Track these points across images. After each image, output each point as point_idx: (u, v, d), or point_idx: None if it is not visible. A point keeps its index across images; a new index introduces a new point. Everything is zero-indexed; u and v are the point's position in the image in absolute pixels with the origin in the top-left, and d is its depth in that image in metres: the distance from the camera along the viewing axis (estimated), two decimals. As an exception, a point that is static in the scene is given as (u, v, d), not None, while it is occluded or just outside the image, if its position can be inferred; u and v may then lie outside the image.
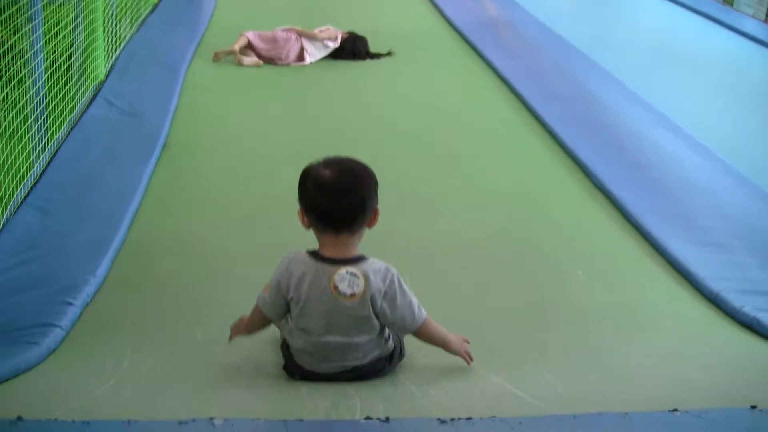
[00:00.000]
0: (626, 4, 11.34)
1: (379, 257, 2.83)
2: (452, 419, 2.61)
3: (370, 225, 2.77)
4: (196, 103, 6.14)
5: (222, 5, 9.24)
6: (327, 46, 7.51)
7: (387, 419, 2.61)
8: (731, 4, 11.31)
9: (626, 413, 2.68)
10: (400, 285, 2.73)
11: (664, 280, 3.99)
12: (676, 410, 2.68)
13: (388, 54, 7.64)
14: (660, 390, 2.95)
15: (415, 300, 2.78)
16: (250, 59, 7.19)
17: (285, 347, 2.90)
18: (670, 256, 4.15)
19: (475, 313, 3.55)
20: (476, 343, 3.11)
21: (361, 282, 2.68)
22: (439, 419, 2.61)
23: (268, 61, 7.26)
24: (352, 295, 2.68)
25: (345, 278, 2.68)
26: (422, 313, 2.78)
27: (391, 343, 2.86)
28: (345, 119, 6.01)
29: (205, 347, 3.18)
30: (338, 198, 2.66)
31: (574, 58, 7.87)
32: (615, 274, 4.07)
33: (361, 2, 10.13)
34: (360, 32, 7.79)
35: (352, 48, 7.57)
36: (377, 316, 2.74)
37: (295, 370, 2.87)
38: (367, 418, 2.62)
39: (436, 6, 9.87)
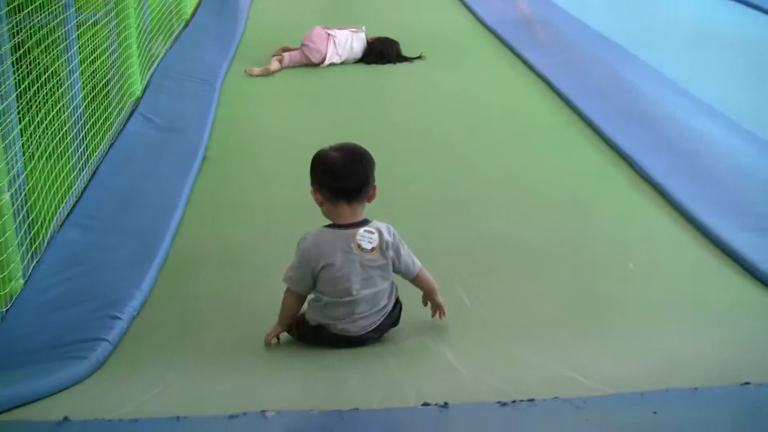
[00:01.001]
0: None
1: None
2: (513, 401, 2.58)
3: (370, 200, 3.22)
4: (234, 115, 6.13)
5: (254, 18, 9.24)
6: (355, 32, 7.51)
7: (445, 404, 2.58)
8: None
9: (695, 389, 2.63)
10: (400, 238, 3.22)
11: (716, 266, 3.94)
12: (748, 383, 2.61)
13: (419, 57, 7.56)
14: (724, 368, 2.89)
15: (410, 251, 3.25)
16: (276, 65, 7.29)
17: (320, 333, 3.21)
18: (721, 241, 4.09)
19: (529, 305, 3.57)
20: (530, 331, 3.15)
21: (376, 236, 3.15)
22: (499, 402, 2.58)
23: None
24: (373, 249, 3.14)
25: (365, 236, 3.13)
26: (417, 261, 3.26)
27: (395, 291, 3.28)
28: (383, 123, 5.96)
29: (250, 345, 3.19)
30: (349, 174, 3.14)
31: (611, 51, 7.77)
32: (667, 263, 4.02)
33: (393, 7, 10.09)
34: (393, 36, 7.74)
35: (381, 49, 7.51)
36: (392, 264, 3.19)
37: (339, 340, 3.19)
38: (425, 404, 2.59)
39: (468, 8, 9.79)
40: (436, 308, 3.34)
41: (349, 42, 7.47)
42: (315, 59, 7.36)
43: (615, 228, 4.40)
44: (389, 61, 7.47)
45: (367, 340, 3.20)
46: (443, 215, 4.48)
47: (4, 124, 3.50)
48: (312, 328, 3.23)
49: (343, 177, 3.14)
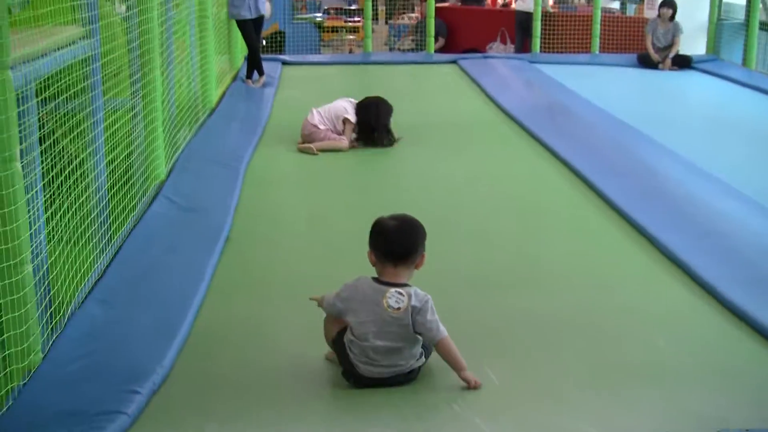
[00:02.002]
0: (678, 83, 11.29)
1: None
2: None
3: (418, 266, 3.57)
4: (258, 197, 6.17)
5: (279, 105, 9.38)
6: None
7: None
8: (787, 77, 11.24)
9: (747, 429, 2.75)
10: (431, 307, 3.47)
11: (742, 339, 3.97)
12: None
13: (398, 139, 7.68)
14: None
15: (439, 321, 3.48)
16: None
17: (344, 356, 3.55)
18: (748, 316, 4.08)
19: (556, 378, 3.62)
20: (560, 399, 3.27)
21: (405, 299, 3.45)
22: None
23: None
24: (398, 308, 3.44)
25: (394, 295, 3.46)
26: (443, 330, 3.47)
27: (422, 359, 3.57)
28: (406, 205, 5.89)
29: (269, 426, 3.19)
30: (399, 240, 3.53)
31: (630, 134, 7.83)
32: (692, 335, 4.06)
33: (415, 95, 10.23)
34: (416, 124, 7.81)
35: (369, 119, 7.61)
36: (413, 325, 3.44)
37: (350, 375, 3.55)
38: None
39: (488, 95, 9.93)
40: (467, 383, 3.50)
41: (332, 107, 7.72)
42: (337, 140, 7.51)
43: (638, 303, 4.40)
44: (380, 141, 7.57)
45: (374, 384, 3.51)
46: (467, 294, 4.47)
47: (29, 194, 3.54)
48: (342, 346, 3.56)
49: (393, 242, 3.51)
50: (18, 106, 3.42)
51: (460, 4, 15.76)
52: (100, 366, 3.55)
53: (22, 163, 3.43)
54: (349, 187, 6.68)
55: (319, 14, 17.82)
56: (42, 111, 3.91)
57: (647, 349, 3.88)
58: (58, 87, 4.19)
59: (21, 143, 3.44)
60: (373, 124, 7.60)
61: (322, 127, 7.57)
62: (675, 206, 5.75)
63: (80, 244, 4.29)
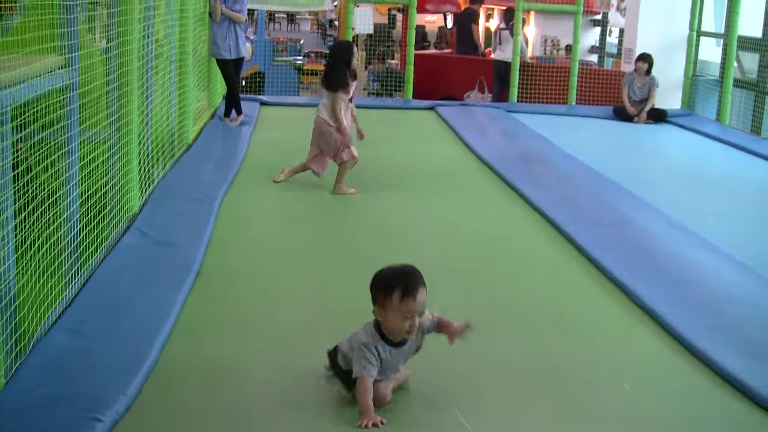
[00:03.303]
0: (653, 136, 11.41)
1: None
2: None
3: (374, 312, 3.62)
4: (230, 234, 6.14)
5: (255, 144, 9.39)
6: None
7: None
8: (759, 134, 11.38)
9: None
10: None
11: (711, 388, 3.98)
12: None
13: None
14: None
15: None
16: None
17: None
18: (716, 365, 4.09)
19: (528, 424, 3.61)
20: None
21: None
22: None
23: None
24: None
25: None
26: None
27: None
28: (376, 249, 5.96)
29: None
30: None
31: (607, 186, 7.86)
32: (662, 384, 4.04)
33: (392, 139, 10.27)
34: (394, 168, 7.78)
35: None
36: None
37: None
38: None
39: (465, 142, 9.98)
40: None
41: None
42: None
43: (610, 351, 4.41)
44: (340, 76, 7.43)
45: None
46: (439, 337, 4.43)
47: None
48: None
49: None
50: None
51: (453, 53, 16.00)
52: (63, 394, 3.49)
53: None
54: (324, 227, 6.66)
55: (300, 57, 17.94)
56: (15, 137, 3.88)
57: (617, 396, 3.88)
58: (34, 115, 4.16)
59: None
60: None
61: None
62: (648, 256, 5.78)
63: (49, 272, 4.24)
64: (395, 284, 3.49)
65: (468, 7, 16.00)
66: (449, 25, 20.55)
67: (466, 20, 15.98)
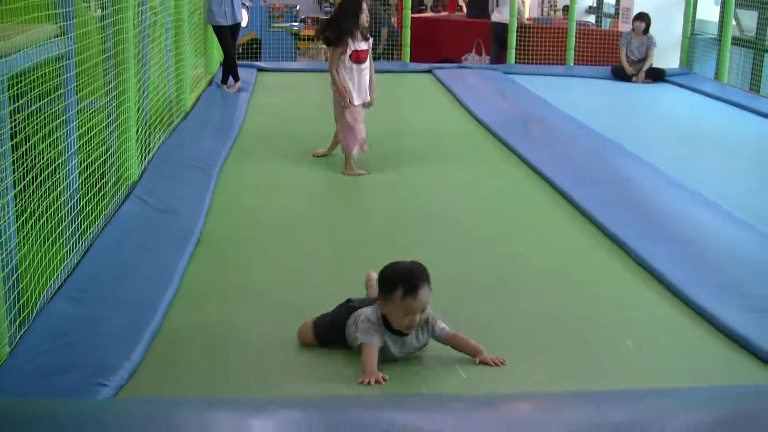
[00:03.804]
0: (651, 96, 11.37)
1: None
2: None
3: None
4: (230, 202, 6.14)
5: (253, 111, 9.36)
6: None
7: None
8: (758, 92, 11.35)
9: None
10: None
11: (713, 343, 4.00)
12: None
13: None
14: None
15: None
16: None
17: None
18: (718, 321, 4.10)
19: (528, 377, 3.65)
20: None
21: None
22: None
23: None
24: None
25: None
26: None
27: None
28: (377, 214, 5.98)
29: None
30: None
31: (605, 146, 7.84)
32: (664, 341, 4.04)
33: (389, 103, 10.22)
34: (391, 132, 7.67)
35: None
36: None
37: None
38: None
39: (463, 104, 9.95)
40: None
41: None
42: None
43: (611, 308, 4.43)
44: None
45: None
46: (435, 298, 4.45)
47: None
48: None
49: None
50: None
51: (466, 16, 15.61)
52: (67, 360, 3.52)
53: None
54: (325, 193, 6.66)
55: (296, 23, 17.83)
56: (12, 107, 3.88)
57: (617, 351, 3.90)
58: (30, 84, 4.15)
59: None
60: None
61: None
62: (648, 215, 5.78)
63: (50, 241, 4.25)
64: (399, 282, 3.60)
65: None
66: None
67: None
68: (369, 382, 3.49)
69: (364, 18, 6.94)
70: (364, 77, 7.06)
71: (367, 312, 3.72)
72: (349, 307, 3.86)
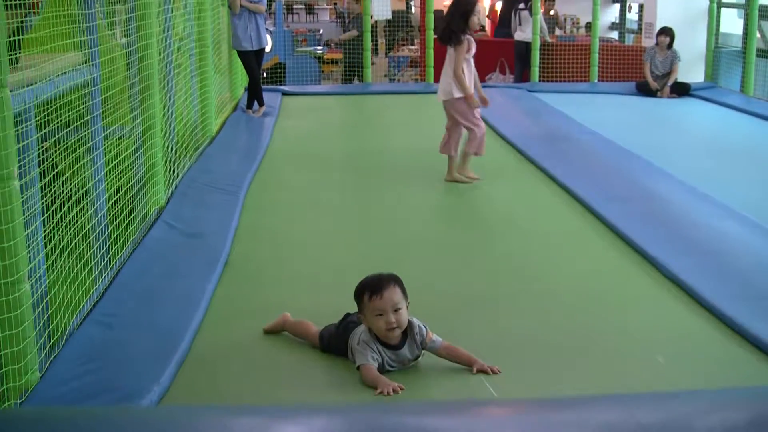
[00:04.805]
0: (677, 110, 11.31)
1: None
2: None
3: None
4: (257, 223, 6.16)
5: (278, 134, 9.41)
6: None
7: None
8: (785, 103, 11.28)
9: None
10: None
11: (746, 358, 3.95)
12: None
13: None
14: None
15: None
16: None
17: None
18: (753, 336, 4.06)
19: (555, 390, 3.61)
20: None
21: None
22: None
23: None
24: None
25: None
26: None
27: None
28: (407, 236, 5.95)
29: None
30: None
31: (632, 161, 7.82)
32: (698, 358, 4.01)
33: (413, 122, 10.28)
34: (418, 150, 7.67)
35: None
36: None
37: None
38: None
39: (489, 124, 9.87)
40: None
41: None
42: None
43: (641, 324, 4.39)
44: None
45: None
46: (468, 315, 4.46)
47: (28, 214, 3.54)
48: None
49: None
50: (16, 126, 3.43)
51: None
52: (96, 385, 3.53)
53: (21, 182, 3.43)
54: (351, 213, 6.65)
55: (320, 47, 17.92)
56: (39, 134, 3.91)
57: (648, 366, 3.87)
58: (57, 112, 4.19)
59: (20, 163, 3.45)
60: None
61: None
62: (675, 228, 5.75)
63: (78, 267, 4.28)
64: (365, 287, 3.76)
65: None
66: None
67: (508, 2, 15.08)
68: (388, 392, 3.56)
69: (476, 20, 6.88)
70: (474, 70, 7.14)
71: (359, 332, 3.82)
72: (348, 323, 3.95)
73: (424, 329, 3.81)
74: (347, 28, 13.80)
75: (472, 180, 7.18)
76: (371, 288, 3.73)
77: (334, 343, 3.97)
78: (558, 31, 15.35)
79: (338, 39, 13.74)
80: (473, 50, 7.02)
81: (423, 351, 3.83)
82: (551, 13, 15.44)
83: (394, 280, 3.76)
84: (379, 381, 3.64)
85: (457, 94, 7.05)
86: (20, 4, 3.95)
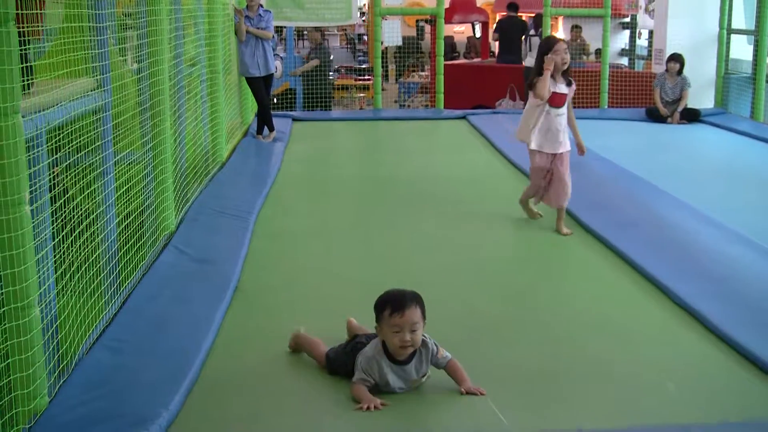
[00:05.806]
0: (687, 136, 11.30)
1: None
2: None
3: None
4: (267, 249, 6.16)
5: (288, 159, 9.43)
6: None
7: None
8: (796, 130, 11.26)
9: None
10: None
11: (763, 386, 3.93)
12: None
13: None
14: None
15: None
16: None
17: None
18: (764, 363, 4.04)
19: (569, 418, 3.61)
20: None
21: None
22: None
23: None
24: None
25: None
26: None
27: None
28: (417, 264, 5.92)
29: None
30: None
31: (642, 187, 7.81)
32: (710, 385, 3.98)
33: (423, 148, 10.29)
34: (427, 177, 7.68)
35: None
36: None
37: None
38: None
39: (499, 151, 9.95)
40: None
41: None
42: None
43: (652, 351, 4.38)
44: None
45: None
46: (475, 343, 4.44)
47: (38, 239, 3.55)
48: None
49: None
50: (28, 152, 3.45)
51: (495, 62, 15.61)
52: (106, 410, 3.52)
53: (32, 207, 3.45)
54: (360, 240, 6.65)
55: (330, 73, 17.99)
56: (50, 159, 3.93)
57: (659, 393, 3.85)
58: (68, 137, 4.22)
59: (31, 188, 3.47)
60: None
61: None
62: (687, 255, 5.73)
63: (88, 292, 4.29)
64: (387, 302, 3.79)
65: (512, 16, 15.50)
66: (478, 34, 20.46)
67: (513, 29, 15.19)
68: (368, 408, 3.66)
69: (559, 60, 6.49)
70: (556, 123, 6.75)
71: (366, 349, 3.88)
72: (356, 344, 4.00)
73: (435, 349, 3.86)
74: (311, 57, 13.81)
75: (534, 216, 6.96)
76: (393, 305, 3.77)
77: (340, 361, 4.01)
78: (584, 58, 15.36)
79: (300, 70, 13.72)
80: (568, 94, 6.73)
81: (429, 371, 3.88)
82: (578, 41, 15.49)
83: (416, 300, 3.80)
84: (363, 397, 3.73)
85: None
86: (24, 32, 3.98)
